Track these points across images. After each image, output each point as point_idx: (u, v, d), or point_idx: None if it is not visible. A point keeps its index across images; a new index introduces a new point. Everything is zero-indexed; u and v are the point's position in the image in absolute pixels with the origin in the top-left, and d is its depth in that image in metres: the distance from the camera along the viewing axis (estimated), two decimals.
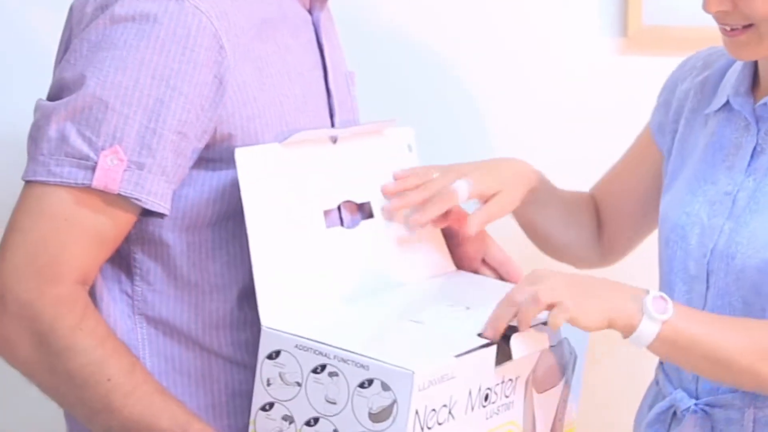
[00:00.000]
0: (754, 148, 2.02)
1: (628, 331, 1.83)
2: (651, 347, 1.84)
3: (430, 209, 2.01)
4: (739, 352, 1.87)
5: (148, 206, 1.83)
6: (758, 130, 2.02)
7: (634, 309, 1.83)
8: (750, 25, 1.93)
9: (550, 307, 1.81)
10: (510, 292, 1.84)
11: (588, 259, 2.35)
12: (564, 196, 2.31)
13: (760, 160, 2.01)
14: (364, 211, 2.06)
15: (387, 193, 2.01)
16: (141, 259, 1.92)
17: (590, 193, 2.35)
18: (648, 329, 1.82)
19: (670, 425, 2.09)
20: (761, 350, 1.88)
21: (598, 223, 2.34)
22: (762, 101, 2.00)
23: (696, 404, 2.05)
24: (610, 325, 1.83)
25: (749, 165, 2.02)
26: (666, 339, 1.83)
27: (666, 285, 2.10)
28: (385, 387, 1.72)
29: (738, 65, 2.08)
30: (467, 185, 2.06)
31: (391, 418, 1.72)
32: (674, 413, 2.08)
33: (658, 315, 1.82)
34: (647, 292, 1.83)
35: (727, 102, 2.06)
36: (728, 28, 1.95)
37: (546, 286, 1.82)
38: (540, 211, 2.25)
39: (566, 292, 1.82)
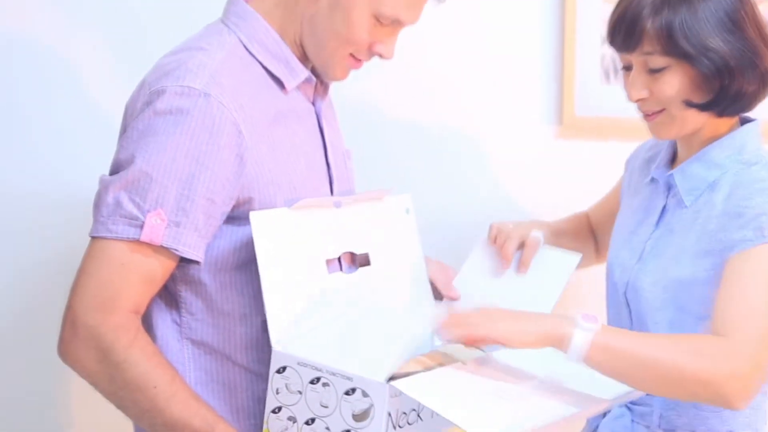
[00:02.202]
0: (664, 207, 2.01)
1: (565, 344, 1.77)
2: (587, 357, 1.77)
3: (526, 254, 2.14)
4: (660, 349, 1.78)
5: (184, 255, 1.84)
6: (668, 194, 2.01)
7: (567, 324, 1.77)
8: (663, 110, 1.93)
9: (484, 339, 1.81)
10: (457, 322, 1.82)
11: (589, 261, 2.32)
12: (568, 229, 2.29)
13: (666, 217, 2.00)
14: (360, 261, 2.05)
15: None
16: (185, 296, 1.92)
17: (587, 212, 2.34)
18: (582, 339, 1.75)
19: (605, 415, 2.07)
20: (682, 345, 1.79)
21: (594, 235, 2.33)
22: (670, 172, 2.00)
23: (621, 403, 2.00)
24: (550, 343, 1.78)
25: (659, 221, 2.01)
26: (599, 346, 1.75)
27: (608, 306, 2.11)
28: (365, 394, 1.73)
29: (667, 143, 2.08)
30: (541, 235, 2.16)
31: (369, 419, 1.73)
32: None
33: (589, 325, 1.76)
34: (576, 314, 1.79)
35: (652, 176, 2.08)
36: (648, 113, 1.95)
37: (486, 317, 1.81)
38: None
39: (501, 322, 1.80)
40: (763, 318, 1.80)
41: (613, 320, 2.08)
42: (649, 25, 1.88)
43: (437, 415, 1.71)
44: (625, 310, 2.03)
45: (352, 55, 1.97)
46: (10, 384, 2.66)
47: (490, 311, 1.83)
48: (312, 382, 1.76)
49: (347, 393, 1.74)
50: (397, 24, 1.95)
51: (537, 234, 2.17)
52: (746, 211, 1.86)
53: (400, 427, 1.75)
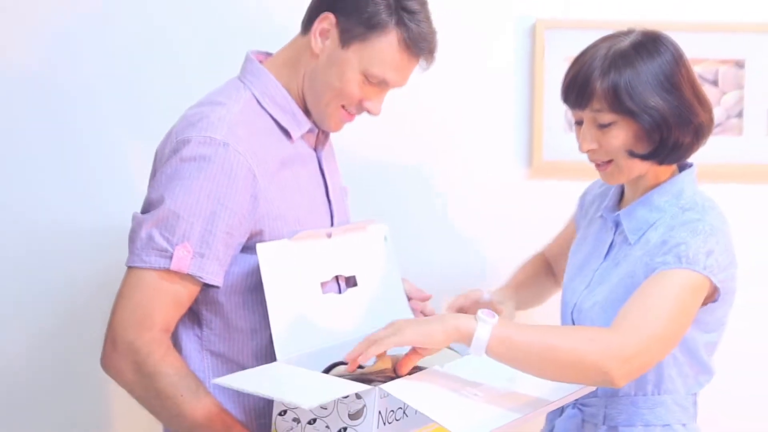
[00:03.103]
0: (611, 243, 2.05)
1: (468, 338, 1.74)
2: (489, 349, 1.74)
3: None
4: (559, 338, 1.78)
5: (207, 281, 1.88)
6: (615, 231, 2.04)
7: (469, 320, 1.76)
8: (611, 161, 1.96)
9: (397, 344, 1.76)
10: (367, 341, 1.78)
11: (551, 291, 2.34)
12: (526, 279, 2.30)
13: (613, 251, 2.03)
14: (349, 282, 2.08)
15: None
16: (206, 314, 1.96)
17: (543, 252, 2.34)
18: (483, 331, 1.74)
19: (560, 415, 2.10)
20: (578, 335, 1.81)
21: (553, 269, 2.33)
22: (617, 213, 2.03)
23: (574, 404, 2.07)
24: (455, 339, 1.75)
25: (606, 254, 2.04)
26: (500, 337, 1.74)
27: (561, 323, 2.12)
28: (359, 397, 1.75)
29: (617, 186, 2.11)
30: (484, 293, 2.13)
31: (362, 417, 1.75)
32: (562, 408, 2.10)
33: (489, 318, 1.74)
34: (478, 312, 1.77)
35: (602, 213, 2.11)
36: (598, 163, 1.98)
37: (394, 328, 1.77)
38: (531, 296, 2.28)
39: (407, 329, 1.76)
40: (654, 320, 1.82)
41: None
42: (598, 85, 1.90)
43: (419, 412, 1.73)
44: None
45: (344, 107, 2.00)
46: (59, 392, 2.65)
47: (396, 322, 1.79)
48: None
49: (343, 396, 1.75)
50: (384, 84, 1.98)
51: (480, 293, 2.15)
52: (670, 240, 1.89)
53: (389, 423, 1.77)
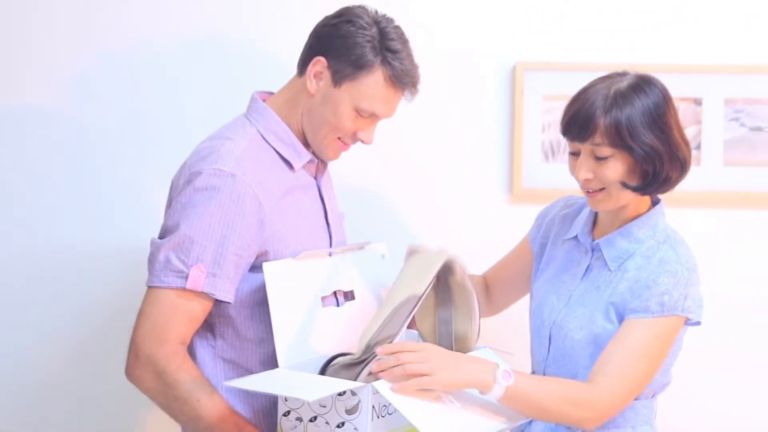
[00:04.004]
0: (588, 266, 2.07)
1: (486, 391, 1.87)
2: (500, 400, 1.88)
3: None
4: (550, 399, 1.90)
5: (219, 298, 1.94)
6: (592, 256, 2.06)
7: (489, 378, 1.86)
8: (603, 189, 1.98)
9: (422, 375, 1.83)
10: (400, 355, 1.83)
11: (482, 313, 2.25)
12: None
13: (590, 274, 2.06)
14: (347, 296, 2.11)
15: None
16: (219, 326, 2.01)
17: (483, 276, 2.33)
18: (498, 390, 1.86)
19: (531, 421, 2.12)
20: (564, 397, 1.91)
21: (487, 295, 2.31)
22: (597, 241, 2.05)
23: None
24: (475, 387, 1.87)
25: (583, 276, 2.07)
26: (509, 395, 1.87)
27: (532, 336, 2.15)
28: (354, 393, 1.81)
29: (587, 210, 2.11)
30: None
31: (358, 412, 1.80)
32: None
33: (504, 382, 1.86)
34: (497, 366, 1.88)
35: (577, 235, 2.11)
36: (590, 191, 1.99)
37: (428, 366, 1.83)
38: None
39: (441, 373, 1.84)
40: (632, 377, 1.93)
41: (536, 348, 2.12)
42: (601, 122, 1.92)
43: None
44: (545, 342, 2.08)
45: (340, 139, 2.05)
46: (89, 398, 2.69)
47: (428, 350, 1.86)
48: None
49: (340, 394, 1.80)
50: (374, 117, 2.04)
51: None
52: (654, 287, 1.94)
53: (382, 416, 1.81)
